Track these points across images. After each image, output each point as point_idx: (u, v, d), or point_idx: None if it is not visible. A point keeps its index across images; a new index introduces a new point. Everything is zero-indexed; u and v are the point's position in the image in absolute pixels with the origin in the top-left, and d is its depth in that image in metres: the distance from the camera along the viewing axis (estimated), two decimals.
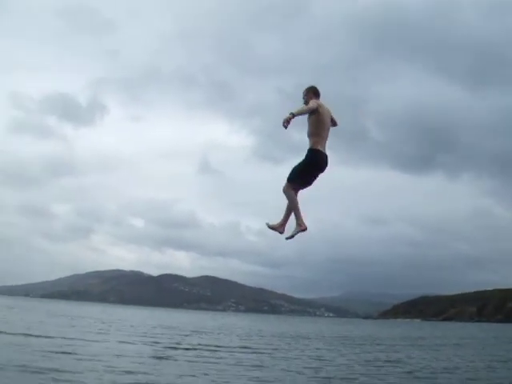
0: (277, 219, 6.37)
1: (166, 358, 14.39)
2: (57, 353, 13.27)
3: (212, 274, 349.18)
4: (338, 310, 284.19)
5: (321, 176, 6.30)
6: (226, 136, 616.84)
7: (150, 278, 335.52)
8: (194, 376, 11.58)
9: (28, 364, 10.58)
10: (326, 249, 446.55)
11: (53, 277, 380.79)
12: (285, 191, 6.22)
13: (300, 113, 5.97)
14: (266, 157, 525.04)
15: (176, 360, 14.21)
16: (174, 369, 12.48)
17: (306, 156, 6.22)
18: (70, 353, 13.56)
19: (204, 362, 14.06)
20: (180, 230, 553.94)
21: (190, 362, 14.07)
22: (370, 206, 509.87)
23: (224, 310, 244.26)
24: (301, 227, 6.17)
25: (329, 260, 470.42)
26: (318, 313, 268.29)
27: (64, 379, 9.59)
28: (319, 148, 6.18)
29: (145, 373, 11.29)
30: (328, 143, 6.34)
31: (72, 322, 31.17)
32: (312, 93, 6.38)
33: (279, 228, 6.32)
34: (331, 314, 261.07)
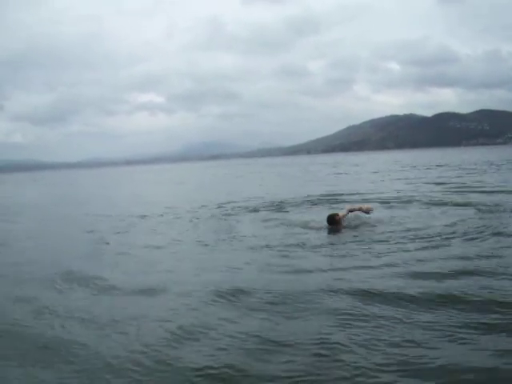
0: None
1: None
2: None
3: (486, 107, 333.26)
4: None
5: None
6: None
7: (424, 120, 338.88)
8: None
9: None
10: None
11: (330, 131, 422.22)
12: None
13: None
14: None
15: None
16: None
17: None
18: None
19: None
20: (438, 67, 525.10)
21: None
22: None
23: (504, 143, 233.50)
24: None
25: None
26: None
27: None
28: None
29: None
30: None
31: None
32: None
33: None
34: None
